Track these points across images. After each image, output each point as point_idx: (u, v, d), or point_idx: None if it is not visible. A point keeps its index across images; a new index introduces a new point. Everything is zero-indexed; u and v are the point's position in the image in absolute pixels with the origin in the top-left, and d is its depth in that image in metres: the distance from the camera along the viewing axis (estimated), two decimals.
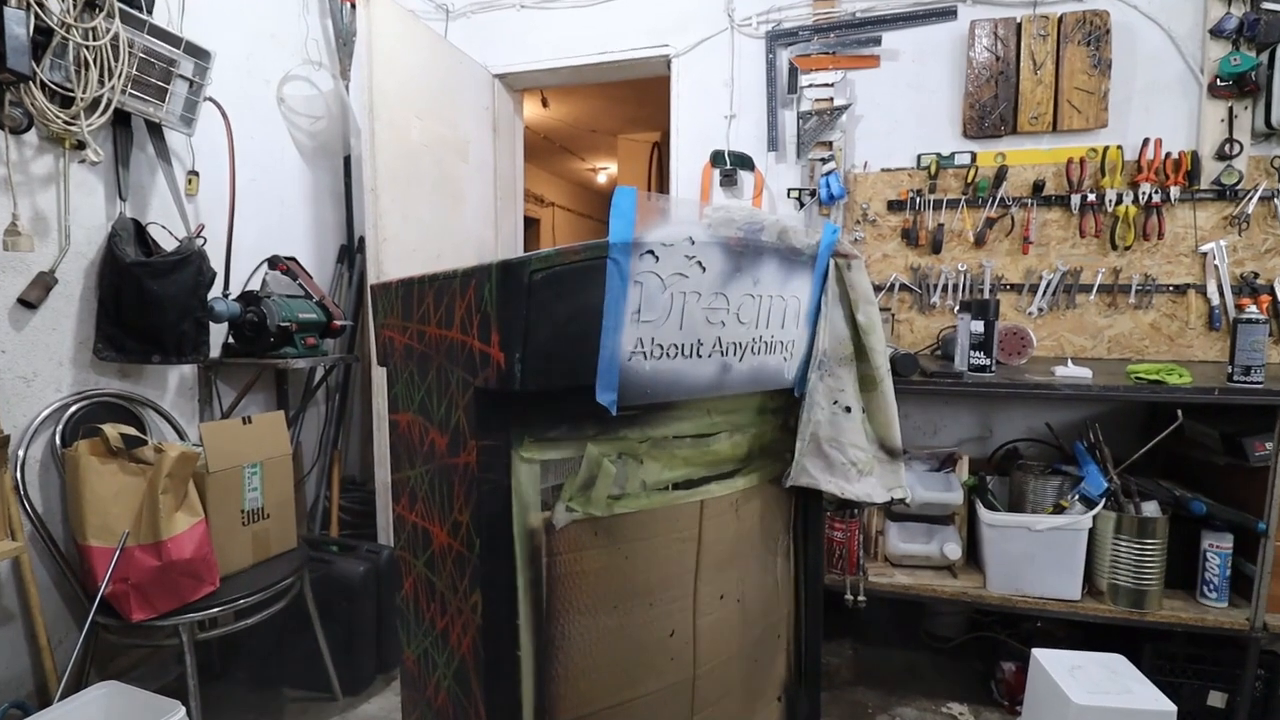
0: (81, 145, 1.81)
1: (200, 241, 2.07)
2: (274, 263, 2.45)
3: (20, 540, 1.65)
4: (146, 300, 1.90)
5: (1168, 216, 2.35)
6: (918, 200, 2.55)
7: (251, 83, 2.50)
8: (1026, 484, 2.08)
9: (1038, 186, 2.44)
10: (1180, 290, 2.36)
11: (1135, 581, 1.87)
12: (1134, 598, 1.88)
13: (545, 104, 4.85)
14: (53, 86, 1.71)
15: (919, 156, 2.59)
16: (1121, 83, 2.39)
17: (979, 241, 2.52)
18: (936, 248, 2.55)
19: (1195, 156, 2.30)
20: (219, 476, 1.87)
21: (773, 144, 2.77)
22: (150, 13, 1.96)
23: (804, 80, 2.67)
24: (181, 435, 2.14)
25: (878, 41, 2.61)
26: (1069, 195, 2.41)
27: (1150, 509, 1.91)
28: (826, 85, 2.65)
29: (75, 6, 1.71)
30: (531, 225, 7.05)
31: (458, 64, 2.94)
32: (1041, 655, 1.68)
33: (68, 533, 1.82)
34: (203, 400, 2.30)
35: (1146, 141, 2.33)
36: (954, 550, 2.07)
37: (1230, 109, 2.28)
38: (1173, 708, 1.49)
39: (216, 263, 2.15)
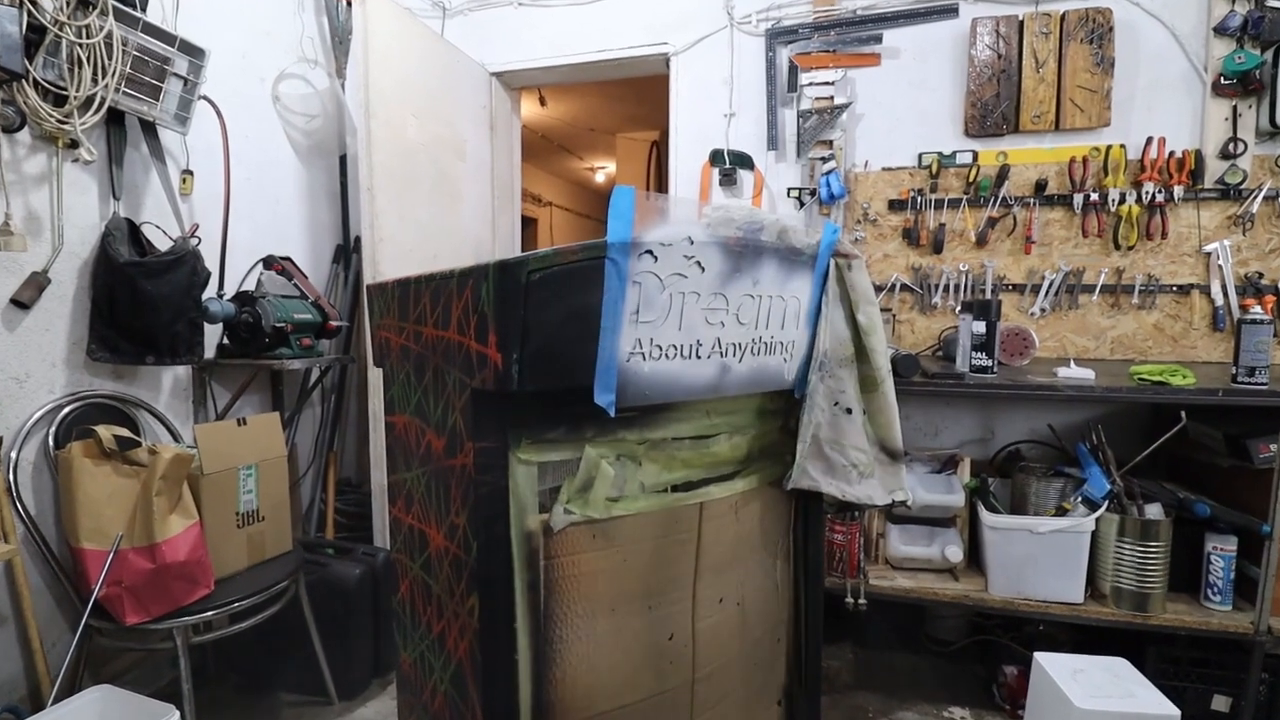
0: (75, 144, 1.79)
1: (195, 241, 2.06)
2: (269, 263, 2.44)
3: (13, 543, 1.64)
4: (140, 300, 1.88)
5: (1171, 216, 2.33)
6: (919, 200, 2.54)
7: (246, 81, 2.48)
8: (1029, 486, 2.07)
9: (1040, 186, 2.43)
10: (1184, 291, 2.35)
11: (1138, 584, 1.86)
12: (1137, 601, 1.87)
13: (543, 102, 4.83)
14: (46, 85, 1.69)
15: (920, 155, 2.57)
16: (1124, 81, 2.37)
17: (981, 241, 2.50)
18: (938, 248, 2.54)
19: (1199, 155, 2.29)
20: (213, 478, 1.85)
21: (772, 143, 2.75)
22: (144, 10, 1.94)
23: (804, 78, 2.66)
24: (176, 437, 2.13)
25: (878, 39, 2.59)
26: (1071, 195, 2.39)
27: (1154, 511, 1.89)
28: (827, 83, 2.64)
29: (69, 4, 1.69)
30: (529, 225, 7.04)
31: (454, 62, 2.92)
32: (1044, 659, 1.67)
33: (61, 535, 1.81)
34: (197, 401, 2.28)
35: (1150, 140, 2.32)
36: (955, 553, 2.06)
37: (1234, 107, 2.26)
38: (1176, 712, 1.48)
39: (211, 263, 2.15)
